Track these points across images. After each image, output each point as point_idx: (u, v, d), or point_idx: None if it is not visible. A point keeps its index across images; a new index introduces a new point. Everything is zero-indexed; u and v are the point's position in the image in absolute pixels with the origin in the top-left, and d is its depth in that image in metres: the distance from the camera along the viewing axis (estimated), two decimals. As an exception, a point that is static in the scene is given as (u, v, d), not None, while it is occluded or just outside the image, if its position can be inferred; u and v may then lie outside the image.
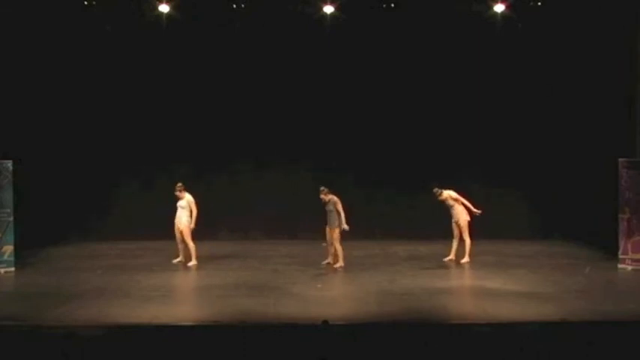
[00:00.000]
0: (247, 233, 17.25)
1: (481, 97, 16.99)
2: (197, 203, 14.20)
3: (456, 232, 14.43)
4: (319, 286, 12.63)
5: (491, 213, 16.43)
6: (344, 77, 16.78)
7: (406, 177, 16.69)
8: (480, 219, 14.71)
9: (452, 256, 14.50)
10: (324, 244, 14.33)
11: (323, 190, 13.89)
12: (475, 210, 14.37)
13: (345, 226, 13.75)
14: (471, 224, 14.36)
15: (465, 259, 14.32)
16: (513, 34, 16.22)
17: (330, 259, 14.13)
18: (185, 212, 14.18)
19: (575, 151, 16.46)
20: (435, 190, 14.44)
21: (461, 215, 14.32)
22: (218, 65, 16.75)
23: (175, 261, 14.44)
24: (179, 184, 14.31)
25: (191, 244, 14.21)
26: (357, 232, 16.34)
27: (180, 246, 14.39)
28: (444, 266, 14.24)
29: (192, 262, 14.21)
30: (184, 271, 14.01)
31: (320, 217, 14.14)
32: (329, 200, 13.81)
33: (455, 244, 14.45)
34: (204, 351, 8.93)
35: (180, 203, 14.23)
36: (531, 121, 16.95)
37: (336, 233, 13.85)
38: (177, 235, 14.30)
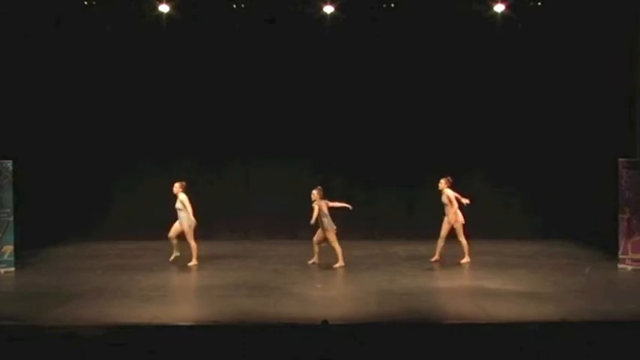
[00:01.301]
0: (247, 233, 17.25)
1: (481, 97, 16.99)
2: (190, 200, 14.13)
3: (443, 232, 14.34)
4: (319, 286, 12.64)
5: (491, 213, 16.48)
6: (344, 77, 16.78)
7: (406, 177, 16.70)
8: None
9: (437, 257, 14.46)
10: (323, 244, 14.33)
11: (320, 190, 13.92)
12: (464, 199, 14.23)
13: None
14: (465, 225, 14.31)
15: (466, 259, 14.31)
16: (513, 34, 16.23)
17: (315, 259, 14.19)
18: (182, 213, 14.16)
19: (575, 151, 16.46)
20: (448, 179, 14.37)
21: (454, 217, 14.25)
22: (218, 65, 16.75)
23: (172, 258, 14.40)
24: (184, 183, 14.28)
25: (193, 244, 14.19)
26: (357, 232, 16.43)
27: (174, 242, 14.31)
28: (444, 266, 14.23)
29: (193, 262, 14.21)
30: (184, 271, 13.99)
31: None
32: (314, 200, 13.85)
33: (441, 243, 14.39)
34: (204, 351, 8.93)
35: (176, 205, 14.18)
36: (531, 121, 16.95)
37: (332, 235, 13.88)
38: (173, 233, 14.25)
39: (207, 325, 10.13)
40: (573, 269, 13.87)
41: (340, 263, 13.96)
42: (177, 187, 14.20)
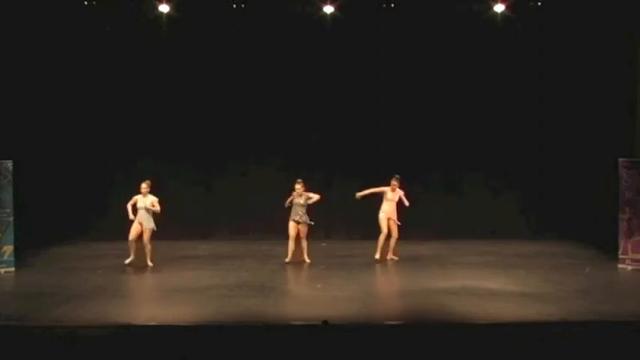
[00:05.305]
0: (247, 233, 17.23)
1: (481, 97, 17.00)
2: (160, 203, 13.98)
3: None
4: (319, 286, 12.64)
5: (491, 213, 16.48)
6: (344, 77, 16.77)
7: (406, 177, 16.67)
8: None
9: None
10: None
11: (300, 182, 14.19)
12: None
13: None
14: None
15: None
16: (513, 34, 16.24)
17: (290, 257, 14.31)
18: (149, 214, 13.91)
19: (575, 151, 16.47)
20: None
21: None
22: (218, 65, 16.76)
23: (128, 261, 14.06)
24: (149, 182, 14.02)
25: (150, 247, 13.99)
26: (357, 232, 16.42)
27: (138, 245, 14.00)
28: (444, 266, 14.22)
29: (150, 264, 14.03)
30: (185, 271, 13.95)
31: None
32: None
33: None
34: (205, 351, 8.93)
35: (146, 205, 13.86)
36: (531, 122, 16.96)
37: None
38: (136, 236, 13.90)
39: (207, 325, 10.13)
40: (573, 269, 13.87)
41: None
42: (147, 187, 13.95)
